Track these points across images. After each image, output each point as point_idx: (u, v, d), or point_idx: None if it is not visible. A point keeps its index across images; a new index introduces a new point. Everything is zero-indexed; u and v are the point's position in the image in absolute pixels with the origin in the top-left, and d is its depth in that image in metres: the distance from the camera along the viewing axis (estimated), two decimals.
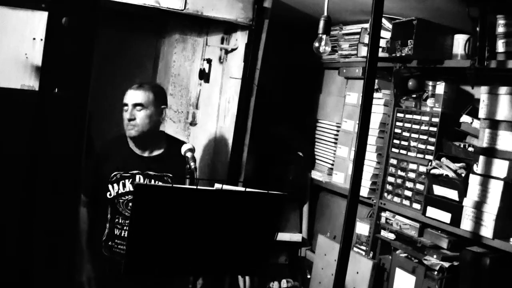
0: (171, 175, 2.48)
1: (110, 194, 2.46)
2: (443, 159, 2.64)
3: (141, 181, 2.47)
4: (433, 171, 2.62)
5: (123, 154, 2.53)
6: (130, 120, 2.46)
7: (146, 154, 2.54)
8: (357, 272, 2.99)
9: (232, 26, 3.08)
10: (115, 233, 2.47)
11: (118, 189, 2.46)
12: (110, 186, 2.47)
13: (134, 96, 2.49)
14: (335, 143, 3.48)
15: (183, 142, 2.65)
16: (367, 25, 3.14)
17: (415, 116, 2.86)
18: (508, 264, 2.32)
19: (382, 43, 2.82)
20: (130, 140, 2.53)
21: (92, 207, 2.55)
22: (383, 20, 2.82)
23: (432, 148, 2.73)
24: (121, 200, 2.46)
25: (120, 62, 3.21)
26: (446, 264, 2.51)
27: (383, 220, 3.01)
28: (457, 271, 2.48)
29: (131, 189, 2.43)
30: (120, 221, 2.46)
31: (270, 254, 1.88)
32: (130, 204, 2.39)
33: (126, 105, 2.49)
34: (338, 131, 3.47)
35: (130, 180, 2.45)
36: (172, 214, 1.67)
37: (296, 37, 3.55)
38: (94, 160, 2.55)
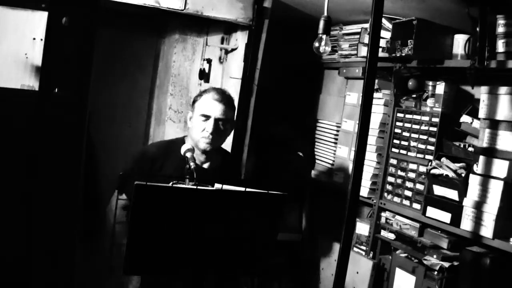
0: None
1: None
2: (443, 159, 2.64)
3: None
4: (433, 171, 2.62)
5: (180, 162, 2.31)
6: (212, 134, 2.30)
7: (205, 166, 2.41)
8: (357, 272, 2.99)
9: (232, 26, 3.08)
10: None
11: None
12: None
13: (219, 109, 2.32)
14: (335, 143, 3.48)
15: (231, 155, 2.57)
16: (367, 25, 3.14)
17: (415, 116, 2.86)
18: (508, 264, 2.32)
19: (382, 43, 2.82)
20: (198, 151, 2.36)
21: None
22: (383, 20, 2.82)
23: (432, 148, 2.73)
24: None
25: (120, 62, 3.22)
26: (446, 264, 2.51)
27: (383, 220, 3.01)
28: (457, 271, 2.49)
29: None
30: None
31: (270, 254, 1.87)
32: None
33: (207, 116, 2.32)
34: (338, 131, 3.47)
35: None
36: (172, 214, 1.67)
37: (296, 37, 3.55)
38: (142, 163, 2.38)
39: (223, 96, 2.38)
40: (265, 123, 3.49)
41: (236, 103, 2.90)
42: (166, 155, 2.41)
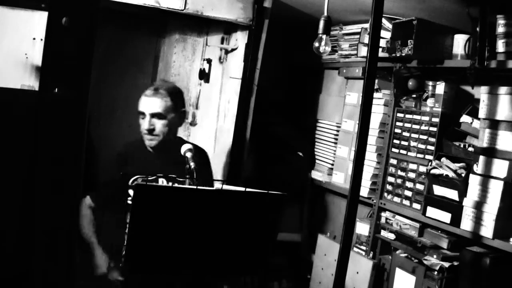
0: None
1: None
2: (443, 159, 2.64)
3: (165, 183, 2.30)
4: (433, 171, 2.62)
5: (143, 158, 2.39)
6: (149, 130, 2.32)
7: (166, 158, 2.42)
8: (357, 272, 2.99)
9: (232, 26, 3.08)
10: None
11: None
12: (130, 191, 2.32)
13: (151, 104, 2.32)
14: (335, 143, 3.48)
15: (200, 148, 2.57)
16: (367, 25, 3.14)
17: (415, 116, 2.86)
18: (508, 264, 2.32)
19: (382, 43, 2.82)
20: (149, 148, 2.41)
21: (102, 214, 2.43)
22: (383, 20, 2.81)
23: (432, 148, 2.73)
24: None
25: (120, 62, 3.21)
26: (446, 264, 2.51)
27: (383, 220, 3.01)
28: (457, 271, 2.48)
29: None
30: None
31: (270, 254, 1.87)
32: None
33: (143, 113, 2.34)
34: (338, 131, 3.47)
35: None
36: (172, 214, 1.67)
37: (296, 37, 3.55)
38: (110, 164, 2.43)
39: (157, 90, 2.35)
40: (265, 123, 3.49)
41: (233, 100, 2.90)
42: (127, 155, 2.44)
